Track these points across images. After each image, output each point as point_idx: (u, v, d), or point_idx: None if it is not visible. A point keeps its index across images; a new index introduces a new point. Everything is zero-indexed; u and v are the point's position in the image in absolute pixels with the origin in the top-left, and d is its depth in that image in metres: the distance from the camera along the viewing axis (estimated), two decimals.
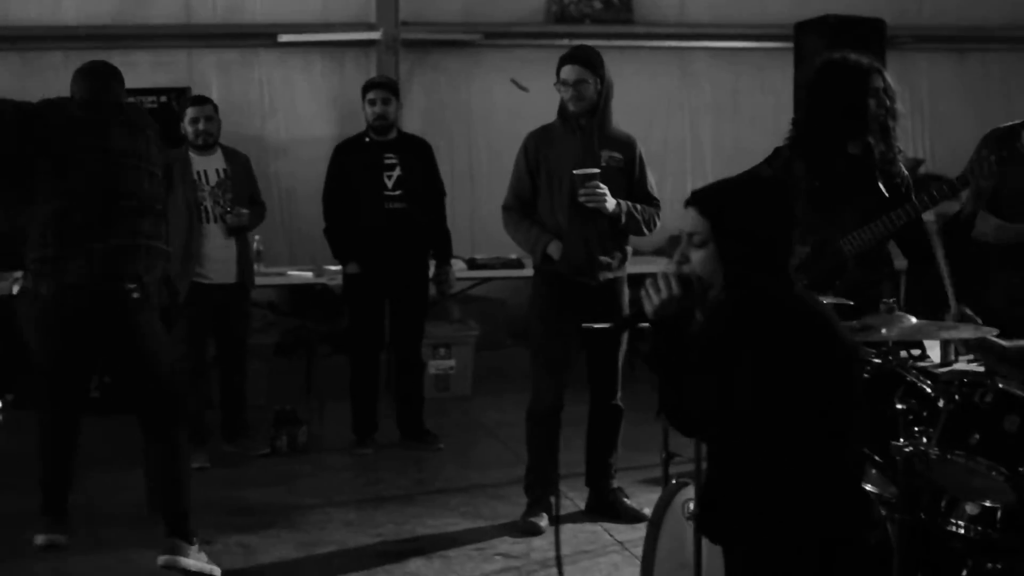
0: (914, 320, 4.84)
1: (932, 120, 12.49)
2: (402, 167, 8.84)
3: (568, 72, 7.10)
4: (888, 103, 6.05)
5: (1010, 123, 6.56)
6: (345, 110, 11.03)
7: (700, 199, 3.95)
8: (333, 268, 9.66)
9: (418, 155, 8.99)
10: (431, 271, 9.10)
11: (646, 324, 3.95)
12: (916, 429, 4.49)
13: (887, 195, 6.05)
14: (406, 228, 8.80)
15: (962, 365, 7.88)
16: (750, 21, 11.82)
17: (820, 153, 6.05)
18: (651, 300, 3.86)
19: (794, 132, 6.15)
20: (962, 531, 4.84)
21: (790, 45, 9.40)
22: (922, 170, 11.56)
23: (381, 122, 8.83)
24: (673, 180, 10.86)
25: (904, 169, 6.23)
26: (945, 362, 7.96)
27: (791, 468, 3.83)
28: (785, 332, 3.80)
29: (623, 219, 7.05)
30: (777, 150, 6.17)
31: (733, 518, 3.93)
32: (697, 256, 3.87)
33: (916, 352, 8.11)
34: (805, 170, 6.06)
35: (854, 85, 5.99)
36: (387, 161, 8.83)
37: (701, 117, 12.05)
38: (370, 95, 8.88)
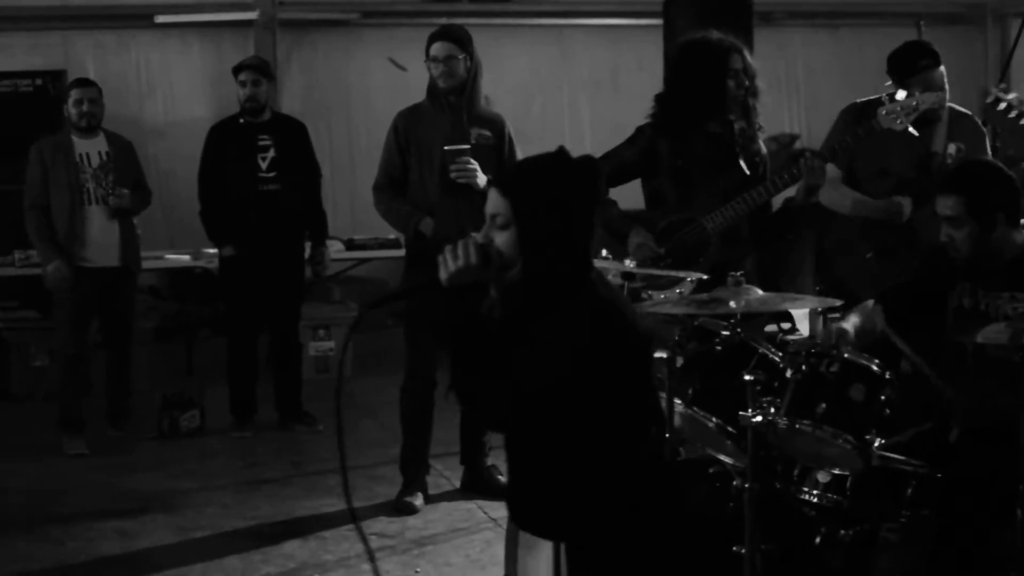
0: (760, 292, 4.90)
1: (807, 95, 12.62)
2: (276, 148, 8.83)
3: (437, 49, 7.13)
4: (747, 82, 6.12)
5: (866, 98, 6.66)
6: (223, 91, 10.92)
7: (501, 180, 3.94)
8: (211, 251, 9.65)
9: (293, 136, 8.99)
10: (307, 252, 9.09)
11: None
12: (765, 400, 4.54)
13: (748, 173, 6.13)
14: (281, 210, 8.80)
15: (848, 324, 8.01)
16: None
17: (681, 132, 6.12)
18: (447, 266, 3.78)
19: (656, 110, 6.20)
20: (815, 499, 4.94)
21: (660, 22, 9.44)
22: (798, 145, 11.67)
23: (252, 104, 8.81)
24: None
25: (763, 147, 6.30)
26: (812, 334, 8.10)
27: (587, 455, 3.84)
28: (577, 319, 3.80)
29: None
30: (640, 128, 6.23)
31: (540, 509, 3.96)
32: (500, 237, 3.82)
33: (786, 325, 8.25)
34: (668, 149, 6.13)
35: (713, 65, 6.05)
36: (261, 143, 8.81)
37: (579, 94, 12.09)
38: (241, 76, 8.85)
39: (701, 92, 6.08)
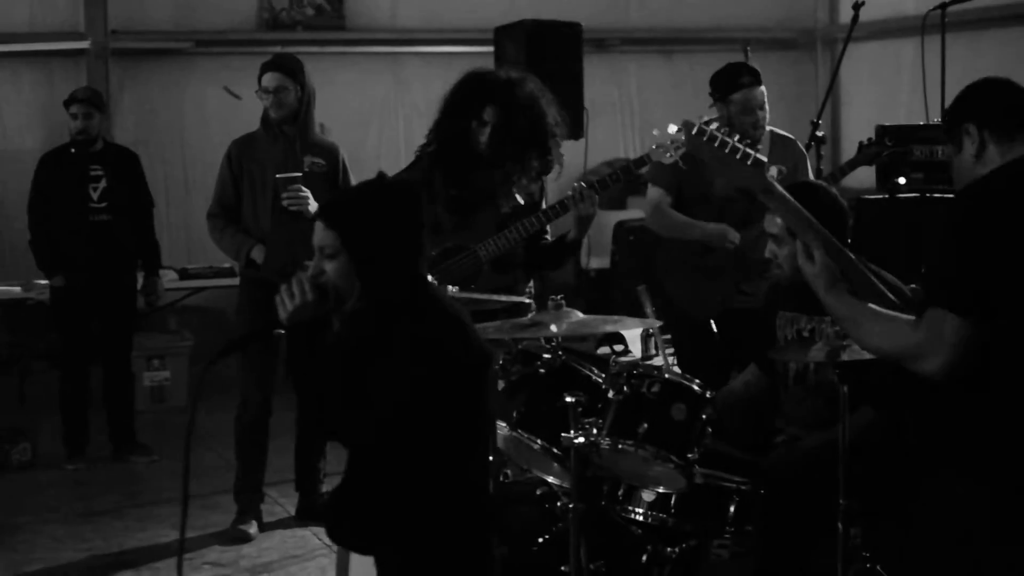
0: (581, 315, 4.96)
1: (642, 119, 12.76)
2: (108, 178, 8.74)
3: (268, 80, 7.15)
4: (504, 131, 6.05)
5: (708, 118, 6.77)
6: (55, 121, 10.75)
7: (324, 212, 3.98)
8: (42, 282, 9.50)
9: (124, 166, 8.91)
10: (140, 283, 9.02)
11: (281, 331, 3.93)
12: (587, 421, 4.60)
13: (522, 203, 6.13)
14: (112, 240, 8.72)
15: (660, 360, 8.14)
16: (457, 26, 11.92)
17: (456, 163, 6.10)
18: (285, 306, 3.83)
19: (432, 138, 6.19)
20: (640, 517, 5.01)
21: (491, 49, 9.53)
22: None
23: (83, 136, 8.72)
24: None
25: (543, 184, 6.29)
26: (645, 356, 8.24)
27: (419, 473, 3.88)
28: (422, 337, 3.84)
29: None
30: (419, 156, 6.21)
31: (362, 525, 3.98)
32: (331, 267, 3.86)
33: (619, 348, 8.37)
34: (442, 178, 6.11)
35: (461, 114, 6.01)
36: (92, 173, 8.72)
37: (415, 122, 12.05)
38: (72, 109, 8.75)
39: (448, 137, 6.09)
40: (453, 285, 5.31)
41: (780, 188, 3.98)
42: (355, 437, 3.90)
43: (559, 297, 4.97)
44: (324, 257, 3.88)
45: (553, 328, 4.81)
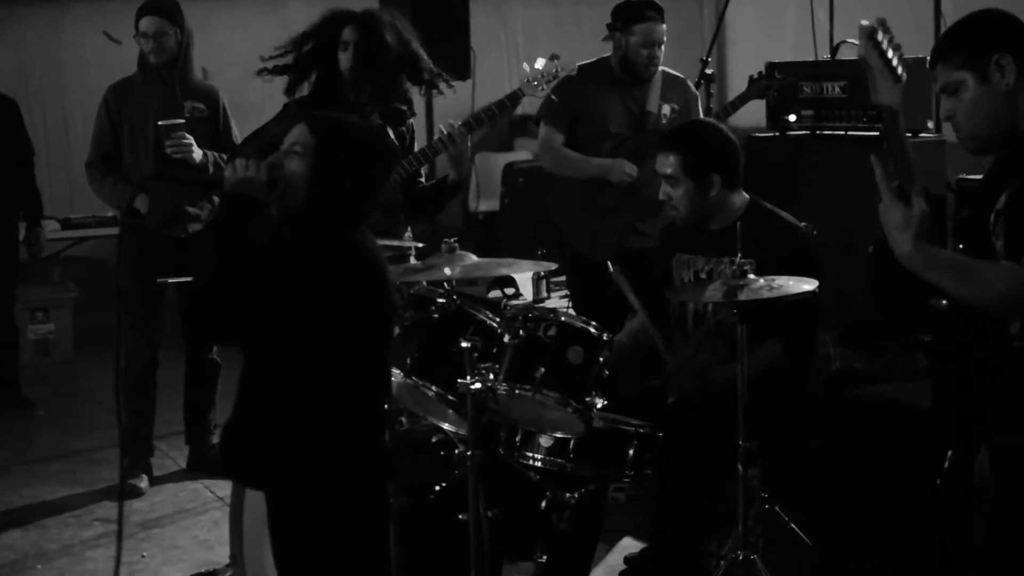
0: (475, 258, 4.89)
1: (528, 59, 12.64)
2: None
3: (147, 24, 6.99)
4: (374, 57, 5.94)
5: (589, 61, 6.76)
6: None
7: (314, 119, 3.92)
8: None
9: (2, 114, 8.67)
10: (22, 234, 8.81)
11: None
12: (483, 366, 4.53)
13: (396, 143, 6.04)
14: None
15: (553, 302, 8.13)
16: None
17: (329, 98, 5.93)
18: (234, 172, 3.78)
19: (294, 82, 5.98)
20: (538, 463, 4.96)
21: None
22: (518, 111, 11.76)
23: None
24: None
25: (411, 121, 6.21)
26: (537, 299, 8.20)
27: (309, 405, 3.83)
28: (334, 259, 3.80)
29: (210, 169, 6.97)
30: (287, 105, 6.02)
31: (254, 454, 3.92)
32: (294, 165, 3.82)
33: (510, 291, 8.33)
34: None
35: (323, 39, 5.84)
36: None
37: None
38: None
39: (320, 68, 5.96)
40: None
41: (902, 120, 3.83)
42: (229, 319, 3.80)
43: (452, 240, 4.89)
44: (292, 153, 3.84)
45: (447, 271, 4.73)
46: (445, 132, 5.82)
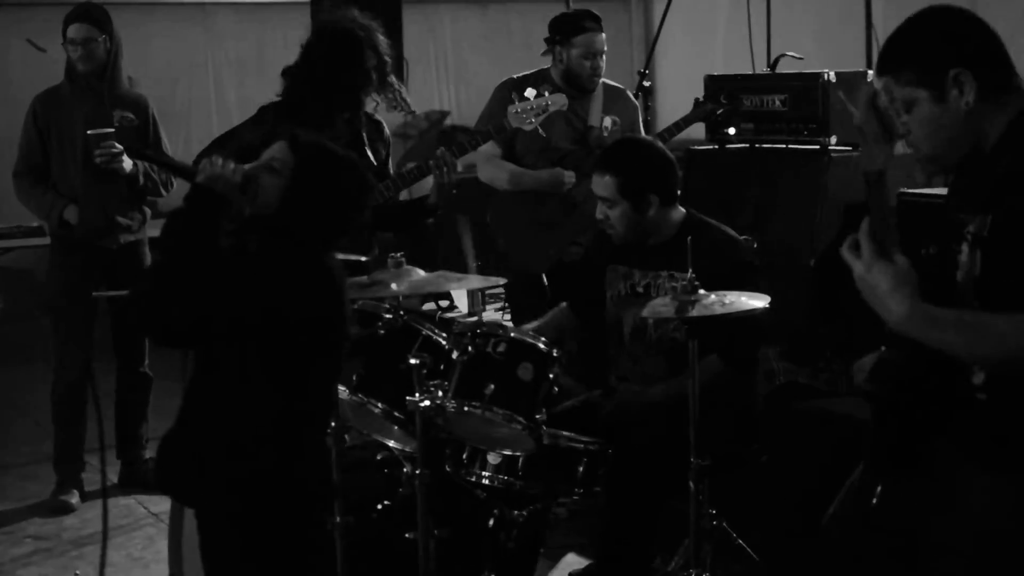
0: (423, 273, 4.83)
1: (456, 71, 12.65)
2: None
3: (75, 31, 6.87)
4: (382, 71, 5.93)
5: (523, 73, 6.70)
6: None
7: (295, 139, 3.88)
8: None
9: None
10: None
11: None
12: (432, 383, 4.47)
13: (375, 163, 5.98)
14: None
15: (489, 314, 8.09)
16: None
17: (310, 120, 5.87)
18: (209, 169, 3.74)
19: (286, 94, 5.94)
20: (486, 481, 4.91)
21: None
22: (448, 121, 11.73)
23: None
24: (200, 140, 10.60)
25: (387, 132, 6.16)
26: (472, 311, 8.16)
27: (250, 421, 3.78)
28: (288, 271, 3.75)
29: (141, 180, 6.87)
30: (263, 108, 5.96)
31: (189, 471, 3.85)
32: (268, 180, 3.78)
33: (444, 303, 8.28)
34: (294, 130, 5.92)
35: (350, 60, 5.83)
36: None
37: (225, 75, 11.82)
38: None
39: (338, 85, 5.88)
40: None
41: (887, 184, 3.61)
42: (175, 314, 3.70)
43: (399, 255, 4.82)
44: (270, 168, 3.81)
45: (394, 287, 4.66)
46: (438, 159, 5.75)
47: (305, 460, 3.89)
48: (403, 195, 6.16)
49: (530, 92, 6.02)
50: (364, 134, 5.95)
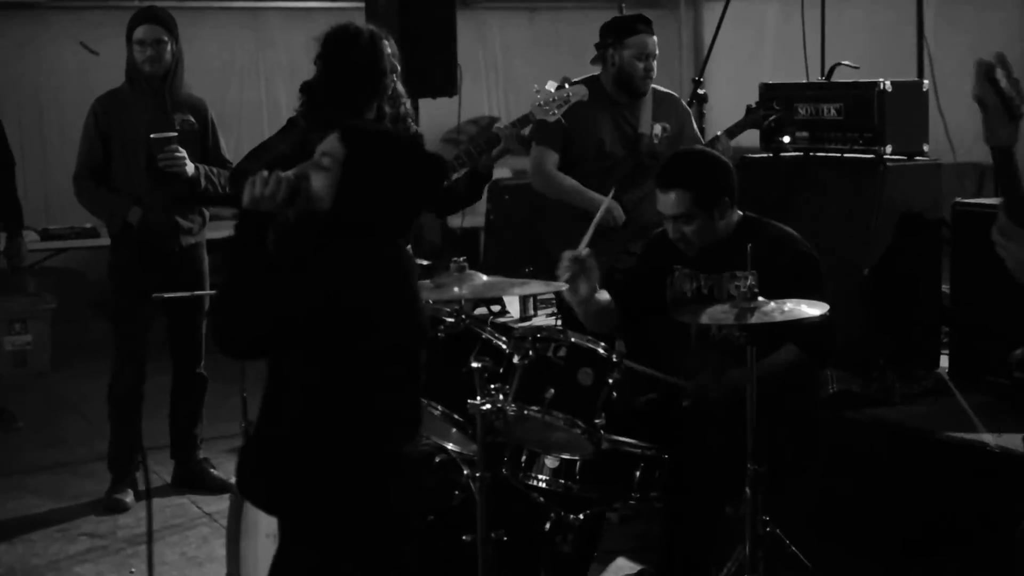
0: (485, 277, 4.86)
1: (506, 77, 12.72)
2: None
3: (147, 32, 6.92)
4: (396, 68, 5.99)
5: (579, 78, 6.71)
6: None
7: (346, 130, 3.86)
8: None
9: None
10: (2, 244, 8.74)
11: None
12: (493, 386, 4.51)
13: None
14: None
15: (541, 320, 8.12)
16: None
17: (339, 120, 5.94)
18: (253, 191, 3.71)
19: (305, 102, 5.98)
20: (543, 485, 4.94)
21: (361, 5, 9.37)
22: (497, 127, 11.74)
23: None
24: (251, 143, 10.64)
25: (414, 126, 6.20)
26: (524, 317, 8.19)
27: (329, 430, 3.77)
28: (351, 264, 3.73)
29: (202, 183, 6.94)
30: (292, 120, 5.97)
31: (272, 479, 3.84)
32: (320, 178, 3.76)
33: (496, 308, 8.31)
34: (320, 141, 5.99)
35: (369, 58, 5.89)
36: None
37: (277, 80, 11.91)
38: None
39: (357, 86, 5.92)
40: None
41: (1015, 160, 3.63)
42: (247, 324, 3.70)
43: (462, 259, 4.85)
44: (319, 166, 3.78)
45: (456, 290, 4.70)
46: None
47: (400, 475, 3.91)
48: None
49: (551, 84, 6.08)
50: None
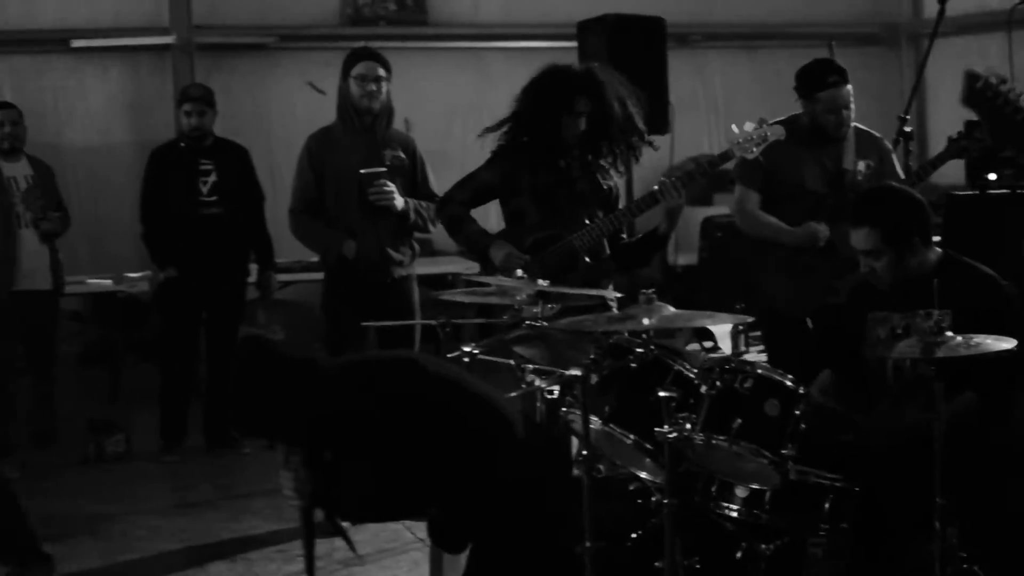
0: (672, 309, 4.95)
1: (726, 115, 12.74)
2: (218, 172, 8.82)
3: (369, 68, 7.22)
4: (599, 120, 6.17)
5: (783, 117, 6.76)
6: (142, 115, 11.00)
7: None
8: (134, 275, 9.64)
9: (235, 160, 9.00)
10: (254, 276, 9.08)
11: None
12: (681, 416, 4.60)
13: (608, 191, 6.24)
14: (222, 234, 8.77)
15: (753, 355, 8.13)
16: (539, 21, 12.00)
17: (548, 153, 6.20)
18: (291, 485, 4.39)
19: (508, 135, 6.26)
20: (734, 514, 5.00)
21: (575, 44, 9.55)
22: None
23: (198, 133, 8.83)
24: None
25: (615, 180, 6.44)
26: (736, 352, 8.21)
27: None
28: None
29: (411, 216, 7.16)
30: (495, 154, 6.35)
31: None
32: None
33: (708, 344, 8.35)
34: (527, 170, 6.20)
35: (552, 106, 6.14)
36: (203, 167, 8.79)
37: (498, 116, 12.06)
38: (186, 107, 8.87)
39: (538, 129, 6.17)
40: (545, 279, 5.33)
41: None
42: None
43: (650, 290, 4.96)
44: None
45: (645, 321, 4.80)
46: (663, 185, 6.00)
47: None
48: None
49: (749, 125, 6.16)
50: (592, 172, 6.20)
